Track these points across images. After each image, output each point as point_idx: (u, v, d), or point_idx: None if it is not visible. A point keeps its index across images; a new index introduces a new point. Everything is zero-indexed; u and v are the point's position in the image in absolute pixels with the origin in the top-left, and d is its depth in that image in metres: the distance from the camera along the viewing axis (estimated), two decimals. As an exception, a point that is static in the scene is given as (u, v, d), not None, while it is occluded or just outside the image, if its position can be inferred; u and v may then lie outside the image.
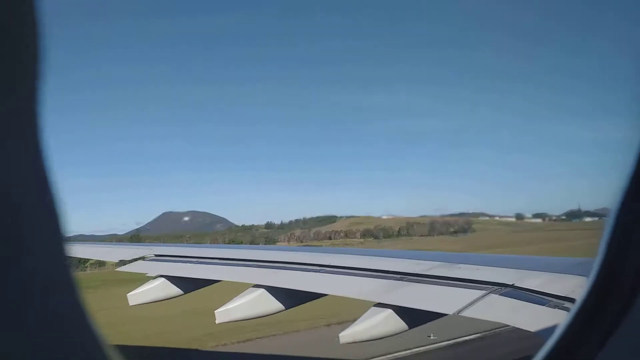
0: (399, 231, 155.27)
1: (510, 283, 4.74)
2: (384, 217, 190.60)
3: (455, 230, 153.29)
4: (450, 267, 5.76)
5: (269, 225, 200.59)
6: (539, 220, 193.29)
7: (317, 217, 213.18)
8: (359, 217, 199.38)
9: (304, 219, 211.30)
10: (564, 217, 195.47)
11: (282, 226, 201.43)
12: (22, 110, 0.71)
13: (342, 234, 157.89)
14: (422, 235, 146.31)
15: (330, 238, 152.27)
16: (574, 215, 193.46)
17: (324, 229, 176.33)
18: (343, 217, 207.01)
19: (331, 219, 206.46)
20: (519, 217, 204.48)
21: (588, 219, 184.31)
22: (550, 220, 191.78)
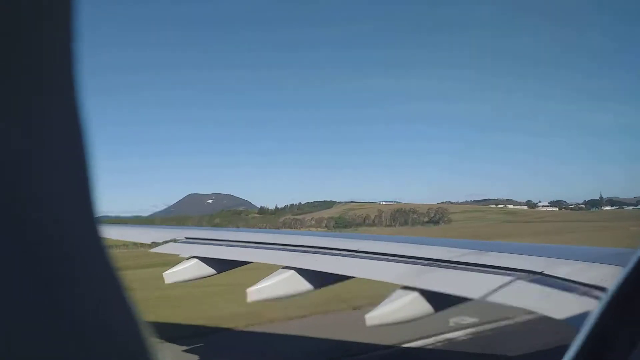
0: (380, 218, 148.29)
1: (539, 270, 4.68)
2: (382, 203, 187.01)
3: (430, 220, 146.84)
4: (479, 254, 5.73)
5: (262, 211, 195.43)
6: (555, 208, 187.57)
7: (313, 202, 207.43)
8: (357, 203, 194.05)
9: (298, 204, 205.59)
10: (582, 206, 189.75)
11: (276, 211, 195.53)
12: (62, 85, 0.73)
13: (313, 221, 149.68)
14: (389, 226, 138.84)
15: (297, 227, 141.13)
16: (593, 204, 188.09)
17: (318, 215, 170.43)
18: (342, 202, 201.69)
19: (328, 204, 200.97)
20: (530, 205, 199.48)
21: (607, 208, 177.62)
22: (565, 209, 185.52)
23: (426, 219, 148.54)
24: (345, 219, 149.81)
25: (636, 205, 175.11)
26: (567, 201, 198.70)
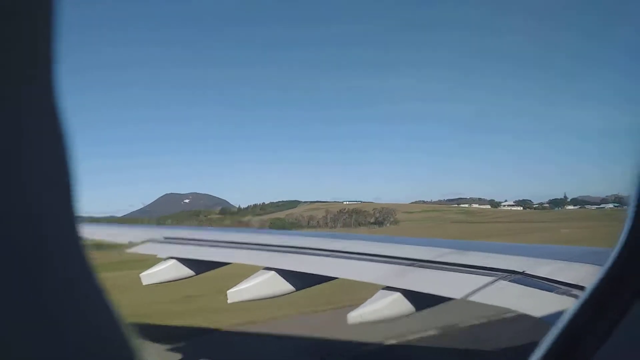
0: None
1: (521, 270, 4.74)
2: (346, 202, 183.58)
3: (375, 222, 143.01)
4: (461, 254, 5.77)
5: (223, 211, 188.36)
6: (519, 207, 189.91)
7: (277, 202, 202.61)
8: (322, 202, 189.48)
9: (262, 204, 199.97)
10: (545, 205, 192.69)
11: (239, 211, 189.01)
12: (42, 87, 0.73)
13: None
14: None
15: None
16: (557, 203, 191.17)
17: (281, 214, 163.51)
18: (307, 202, 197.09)
19: (292, 204, 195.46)
20: (494, 204, 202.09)
21: (570, 207, 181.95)
22: (529, 208, 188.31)
23: (372, 220, 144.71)
24: (284, 221, 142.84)
25: (599, 205, 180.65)
26: (533, 200, 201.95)
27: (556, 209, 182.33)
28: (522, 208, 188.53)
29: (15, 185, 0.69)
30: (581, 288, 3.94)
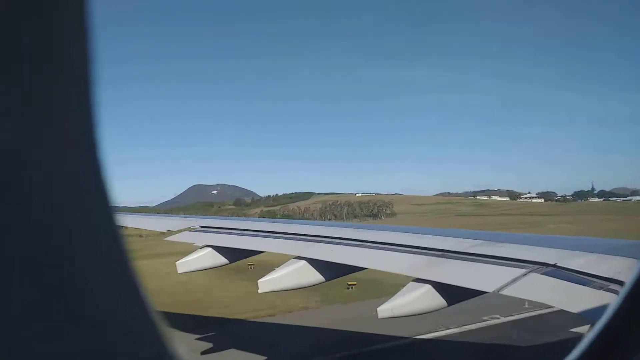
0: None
1: (552, 262, 4.61)
2: (359, 194, 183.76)
3: (369, 214, 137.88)
4: (492, 245, 5.67)
5: (237, 202, 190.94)
6: (540, 200, 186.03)
7: (290, 194, 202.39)
8: (336, 194, 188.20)
9: (274, 195, 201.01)
10: (569, 197, 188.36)
11: (252, 202, 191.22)
12: (74, 78, 0.75)
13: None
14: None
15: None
16: (581, 195, 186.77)
17: (292, 206, 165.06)
18: (321, 193, 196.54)
19: (306, 196, 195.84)
20: (513, 196, 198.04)
21: (593, 199, 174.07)
22: (551, 200, 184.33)
23: (366, 212, 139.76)
24: (276, 213, 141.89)
25: (625, 197, 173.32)
26: (557, 192, 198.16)
27: (579, 201, 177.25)
28: (543, 200, 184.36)
29: (51, 178, 0.72)
30: (618, 282, 3.81)
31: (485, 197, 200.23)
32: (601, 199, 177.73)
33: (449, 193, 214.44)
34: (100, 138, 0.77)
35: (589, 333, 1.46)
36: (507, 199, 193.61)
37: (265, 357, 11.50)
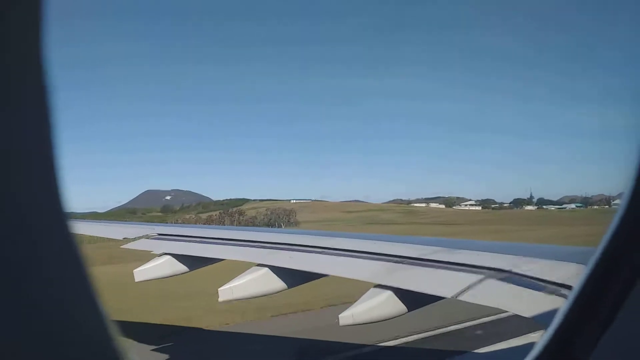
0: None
1: (507, 269, 4.77)
2: (293, 201, 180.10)
3: (268, 223, 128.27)
4: (449, 252, 5.81)
5: (164, 209, 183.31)
6: (478, 207, 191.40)
7: (222, 200, 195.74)
8: (273, 200, 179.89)
9: (203, 202, 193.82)
10: (506, 205, 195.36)
11: (181, 209, 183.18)
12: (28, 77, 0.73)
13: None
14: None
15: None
16: (518, 203, 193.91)
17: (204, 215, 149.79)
18: (256, 200, 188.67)
19: (238, 202, 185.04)
20: (449, 203, 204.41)
21: (529, 207, 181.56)
22: (487, 208, 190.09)
23: (260, 221, 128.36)
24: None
25: (561, 206, 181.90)
26: (496, 200, 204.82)
27: (515, 208, 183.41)
28: (480, 208, 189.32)
29: (5, 183, 0.70)
30: (568, 287, 3.97)
31: (424, 205, 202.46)
32: (535, 208, 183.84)
33: (400, 200, 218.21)
34: (57, 142, 0.75)
35: (542, 337, 1.52)
36: (443, 206, 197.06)
37: None
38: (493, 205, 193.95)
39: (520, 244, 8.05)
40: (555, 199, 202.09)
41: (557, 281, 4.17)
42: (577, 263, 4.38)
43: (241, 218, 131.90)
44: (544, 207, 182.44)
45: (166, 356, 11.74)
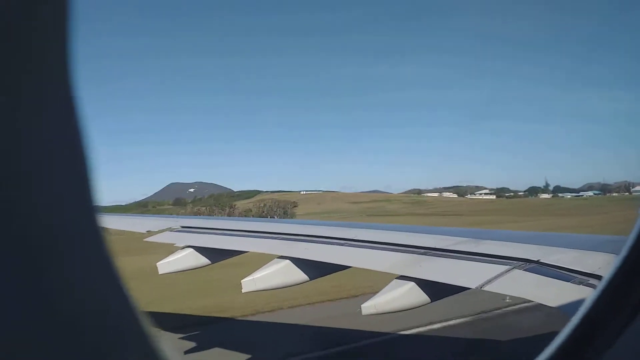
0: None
1: (535, 259, 4.68)
2: (302, 192, 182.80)
3: (262, 215, 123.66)
4: (475, 242, 5.73)
5: (176, 202, 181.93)
6: (492, 196, 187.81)
7: (236, 192, 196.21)
8: (283, 192, 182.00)
9: (215, 195, 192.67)
10: (521, 193, 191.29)
11: (194, 201, 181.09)
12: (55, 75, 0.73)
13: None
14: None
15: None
16: (534, 191, 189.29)
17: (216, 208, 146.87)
18: (267, 192, 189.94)
19: (250, 194, 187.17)
20: (461, 192, 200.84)
21: (544, 195, 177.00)
22: (501, 197, 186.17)
23: (253, 214, 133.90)
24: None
25: (577, 193, 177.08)
26: (511, 188, 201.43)
27: (530, 197, 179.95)
28: (495, 197, 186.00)
29: (33, 177, 0.70)
30: (597, 277, 3.89)
31: (436, 194, 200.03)
32: (550, 196, 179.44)
33: (418, 189, 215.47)
34: (87, 136, 0.75)
35: (566, 326, 1.48)
36: (455, 195, 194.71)
37: (249, 356, 11.46)
38: (507, 194, 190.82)
39: (549, 234, 7.90)
40: (576, 186, 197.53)
41: (585, 271, 4.08)
42: (607, 252, 4.27)
43: (232, 212, 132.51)
44: (560, 195, 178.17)
45: (194, 344, 11.96)
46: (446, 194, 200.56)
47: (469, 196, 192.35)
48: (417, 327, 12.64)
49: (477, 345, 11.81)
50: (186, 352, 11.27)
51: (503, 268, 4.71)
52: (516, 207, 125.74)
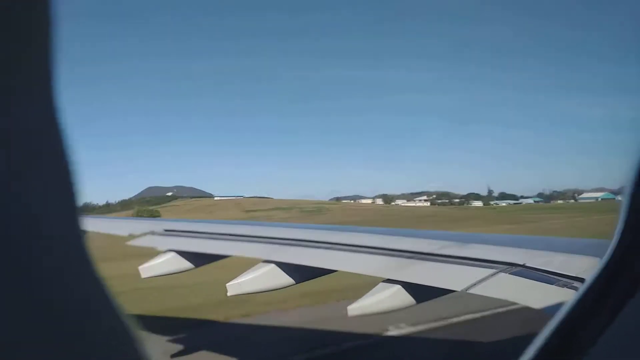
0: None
1: (521, 263, 4.73)
2: (216, 198, 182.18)
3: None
4: (461, 246, 5.76)
5: (122, 204, 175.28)
6: (427, 204, 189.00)
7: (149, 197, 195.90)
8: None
9: (147, 198, 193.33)
10: (456, 200, 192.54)
11: (139, 202, 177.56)
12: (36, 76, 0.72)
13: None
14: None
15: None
16: (470, 198, 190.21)
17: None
18: (187, 197, 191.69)
19: (167, 199, 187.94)
20: (387, 199, 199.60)
21: (477, 203, 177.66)
22: (434, 204, 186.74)
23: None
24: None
25: (517, 201, 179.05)
26: (453, 192, 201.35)
27: (466, 204, 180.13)
28: (429, 204, 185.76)
29: (15, 182, 0.69)
30: (580, 280, 3.94)
31: (369, 201, 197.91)
32: (510, 202, 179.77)
33: (386, 195, 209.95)
34: (67, 139, 0.74)
35: (547, 325, 1.51)
36: (382, 202, 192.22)
37: (236, 358, 11.41)
38: (439, 201, 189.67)
39: (535, 237, 8.00)
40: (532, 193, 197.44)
41: (569, 274, 4.13)
42: (592, 256, 4.32)
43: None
44: (497, 202, 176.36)
45: (181, 347, 11.90)
46: (365, 201, 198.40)
47: (398, 202, 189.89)
48: (402, 328, 12.73)
49: (461, 346, 11.93)
50: (172, 356, 11.20)
51: (489, 271, 4.75)
52: (404, 215, 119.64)
